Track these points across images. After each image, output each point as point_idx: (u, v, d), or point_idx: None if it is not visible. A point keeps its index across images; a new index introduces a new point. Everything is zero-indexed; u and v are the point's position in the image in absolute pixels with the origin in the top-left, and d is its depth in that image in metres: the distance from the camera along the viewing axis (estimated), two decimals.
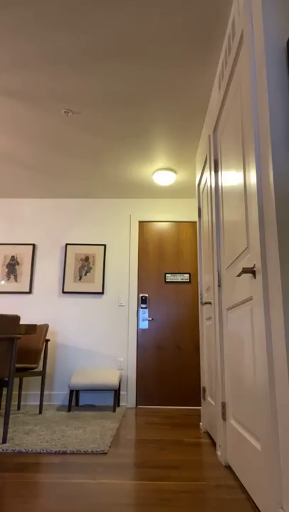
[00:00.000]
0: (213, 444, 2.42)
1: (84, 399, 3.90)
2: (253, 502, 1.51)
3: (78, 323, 4.11)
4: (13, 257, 4.26)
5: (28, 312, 4.14)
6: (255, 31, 1.51)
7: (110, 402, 3.90)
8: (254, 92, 1.52)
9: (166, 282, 4.21)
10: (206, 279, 2.77)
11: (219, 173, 2.30)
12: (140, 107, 2.75)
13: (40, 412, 3.36)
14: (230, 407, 1.95)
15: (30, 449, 2.22)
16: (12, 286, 4.18)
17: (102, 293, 4.16)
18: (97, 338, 4.07)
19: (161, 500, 1.53)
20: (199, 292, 3.03)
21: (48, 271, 4.26)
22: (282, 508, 1.18)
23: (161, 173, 3.74)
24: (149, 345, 4.05)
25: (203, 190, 2.96)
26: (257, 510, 1.44)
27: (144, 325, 4.09)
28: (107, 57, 2.27)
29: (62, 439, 2.46)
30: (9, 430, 2.69)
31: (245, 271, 1.48)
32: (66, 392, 3.93)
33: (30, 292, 4.16)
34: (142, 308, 4.14)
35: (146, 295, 4.18)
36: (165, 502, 1.52)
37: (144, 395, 3.92)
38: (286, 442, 1.16)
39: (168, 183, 3.91)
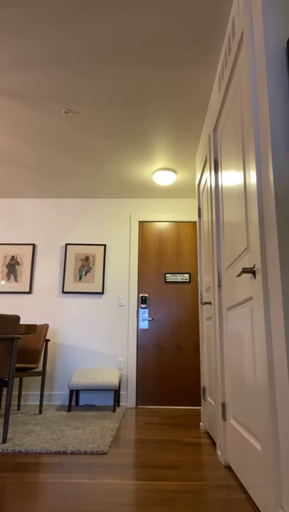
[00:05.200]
0: (213, 444, 2.42)
1: (84, 399, 3.90)
2: (253, 502, 1.51)
3: (78, 323, 4.11)
4: (13, 257, 4.26)
5: (28, 312, 4.14)
6: (255, 31, 1.51)
7: (110, 402, 3.90)
8: (254, 92, 1.52)
9: (166, 282, 4.21)
10: (206, 279, 2.77)
11: (219, 173, 2.30)
12: (140, 107, 2.75)
13: (40, 412, 3.36)
14: (230, 407, 1.95)
15: (30, 449, 2.22)
16: (12, 286, 4.18)
17: (102, 293, 4.16)
18: (97, 338, 4.07)
19: (161, 500, 1.53)
20: (199, 292, 3.03)
21: (48, 271, 4.26)
22: (282, 508, 1.18)
23: (161, 173, 3.74)
24: (149, 345, 4.05)
25: (203, 190, 2.96)
26: (257, 510, 1.44)
27: (144, 325, 4.09)
28: (107, 58, 2.27)
29: (62, 439, 2.46)
30: (9, 430, 2.69)
31: (245, 271, 1.48)
32: (66, 392, 3.93)
33: (30, 292, 4.16)
34: (142, 308, 4.14)
35: (146, 295, 4.18)
36: (165, 502, 1.52)
37: (144, 394, 3.92)
38: (286, 442, 1.16)
39: (168, 183, 3.91)
